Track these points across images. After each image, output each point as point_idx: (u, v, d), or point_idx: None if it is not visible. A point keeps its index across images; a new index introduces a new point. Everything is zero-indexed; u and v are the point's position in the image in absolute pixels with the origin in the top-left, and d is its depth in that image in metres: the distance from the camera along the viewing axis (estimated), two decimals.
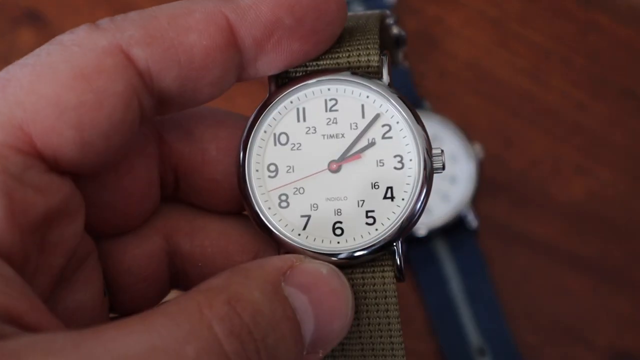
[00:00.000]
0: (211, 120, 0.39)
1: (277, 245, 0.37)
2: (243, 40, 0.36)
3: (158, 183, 0.39)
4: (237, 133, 0.39)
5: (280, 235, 0.37)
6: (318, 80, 0.37)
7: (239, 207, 0.39)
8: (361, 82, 0.37)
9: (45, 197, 0.32)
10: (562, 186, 0.69)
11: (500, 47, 0.72)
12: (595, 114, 0.70)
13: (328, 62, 0.37)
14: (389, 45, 0.42)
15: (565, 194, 0.69)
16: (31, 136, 0.32)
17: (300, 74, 0.37)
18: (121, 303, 0.39)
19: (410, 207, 0.37)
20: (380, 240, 0.37)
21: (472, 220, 0.67)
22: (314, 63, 0.37)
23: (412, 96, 0.70)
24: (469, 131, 0.69)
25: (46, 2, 0.72)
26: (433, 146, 0.37)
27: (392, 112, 0.37)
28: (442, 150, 0.37)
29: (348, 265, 0.37)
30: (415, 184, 0.37)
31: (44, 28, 0.72)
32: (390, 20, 0.41)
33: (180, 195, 0.40)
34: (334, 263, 0.37)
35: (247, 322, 0.31)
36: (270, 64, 0.37)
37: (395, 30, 0.41)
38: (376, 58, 0.37)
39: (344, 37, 0.37)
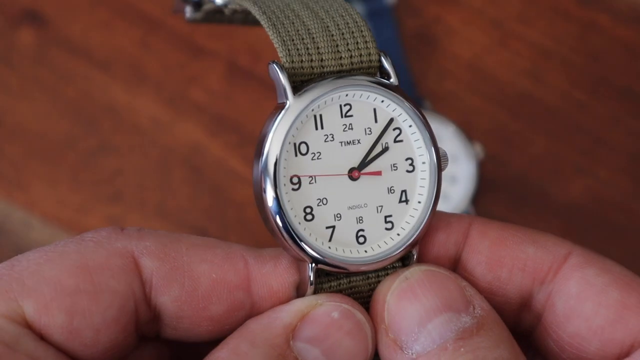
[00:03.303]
0: None
1: (307, 259, 0.36)
2: (257, 288, 0.36)
3: None
4: None
5: (309, 248, 0.36)
6: (335, 88, 0.36)
7: None
8: (374, 85, 0.37)
9: None
10: (562, 186, 0.69)
11: (500, 47, 0.72)
12: (595, 114, 0.70)
13: (332, 62, 0.37)
14: None
15: (565, 194, 0.69)
16: (23, 309, 0.33)
17: (305, 77, 0.36)
18: None
19: (430, 209, 0.37)
20: (405, 247, 0.37)
21: None
22: (319, 65, 0.36)
23: (412, 96, 0.70)
24: (469, 131, 0.69)
25: (46, 2, 0.72)
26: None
27: (405, 115, 0.37)
28: (445, 150, 0.37)
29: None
30: (431, 186, 0.37)
31: (44, 28, 0.72)
32: None
33: None
34: (360, 271, 0.37)
35: None
36: None
37: None
38: (376, 57, 0.37)
39: (332, 33, 0.37)
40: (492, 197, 0.69)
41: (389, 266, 0.37)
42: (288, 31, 0.37)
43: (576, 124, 0.70)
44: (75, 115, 0.70)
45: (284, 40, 0.36)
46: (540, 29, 0.73)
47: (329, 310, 0.35)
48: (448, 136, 0.69)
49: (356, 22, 0.37)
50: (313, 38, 0.37)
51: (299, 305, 0.35)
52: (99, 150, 0.69)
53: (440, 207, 0.72)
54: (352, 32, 0.37)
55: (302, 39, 0.36)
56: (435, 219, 0.38)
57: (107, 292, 0.34)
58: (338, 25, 0.37)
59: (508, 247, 0.37)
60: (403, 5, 0.73)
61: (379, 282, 0.37)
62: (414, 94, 0.70)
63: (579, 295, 0.36)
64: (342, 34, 0.37)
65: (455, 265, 0.38)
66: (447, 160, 0.37)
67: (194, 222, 0.68)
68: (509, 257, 0.37)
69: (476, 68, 0.72)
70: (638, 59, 0.72)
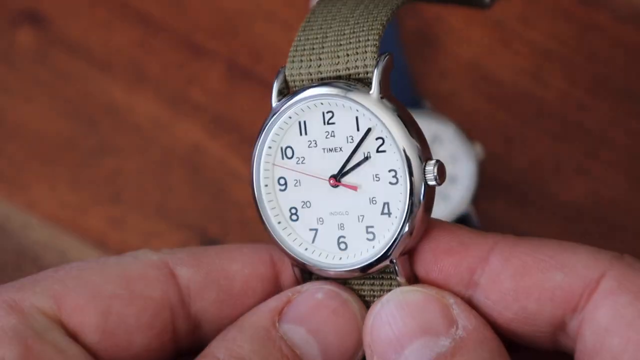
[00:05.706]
0: None
1: (289, 258, 0.38)
2: (284, 279, 0.38)
3: None
4: None
5: (289, 250, 0.37)
6: (313, 96, 0.36)
7: None
8: (349, 96, 0.36)
9: (64, 358, 0.34)
10: (563, 186, 0.69)
11: (500, 47, 0.72)
12: (595, 114, 0.70)
13: (329, 68, 0.36)
14: None
15: (565, 194, 0.69)
16: (60, 307, 0.35)
17: (304, 82, 0.37)
18: None
19: (405, 223, 0.36)
20: (378, 258, 0.36)
21: (473, 220, 0.67)
22: (317, 70, 0.36)
23: (412, 96, 0.70)
24: (469, 131, 0.69)
25: (46, 2, 0.72)
26: (434, 153, 0.36)
27: (381, 127, 0.36)
28: (437, 162, 0.35)
29: (357, 277, 0.37)
30: (406, 201, 0.36)
31: (44, 28, 0.72)
32: None
33: None
34: (339, 277, 0.37)
35: None
36: None
37: None
38: (372, 62, 0.35)
39: (345, 36, 0.36)
40: (492, 197, 0.69)
41: (385, 277, 0.37)
42: (312, 31, 0.37)
43: (576, 124, 0.70)
44: (75, 115, 0.70)
45: (297, 44, 0.37)
46: (540, 29, 0.72)
47: (313, 292, 0.36)
48: (448, 136, 0.69)
49: (373, 23, 0.36)
50: (324, 42, 0.37)
51: (285, 292, 0.37)
52: (99, 150, 0.69)
53: (440, 207, 0.72)
54: (359, 36, 0.36)
55: (313, 44, 0.37)
56: (449, 238, 0.37)
57: (142, 298, 0.36)
58: (355, 26, 0.36)
59: (533, 276, 0.35)
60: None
61: (372, 291, 0.37)
62: (414, 94, 0.70)
63: (607, 328, 0.34)
64: (351, 37, 0.36)
65: (470, 289, 0.36)
66: (434, 173, 0.35)
67: (194, 222, 0.68)
68: (535, 288, 0.35)
69: (477, 68, 0.72)
70: (638, 59, 0.72)
